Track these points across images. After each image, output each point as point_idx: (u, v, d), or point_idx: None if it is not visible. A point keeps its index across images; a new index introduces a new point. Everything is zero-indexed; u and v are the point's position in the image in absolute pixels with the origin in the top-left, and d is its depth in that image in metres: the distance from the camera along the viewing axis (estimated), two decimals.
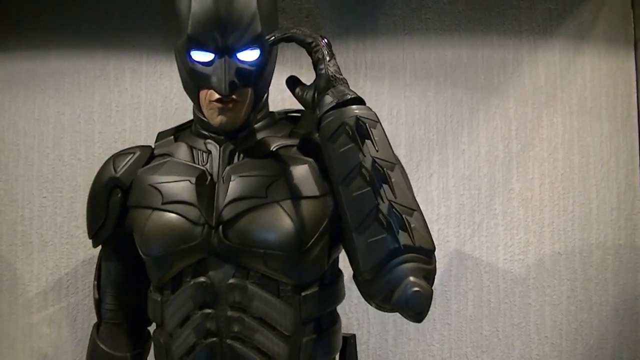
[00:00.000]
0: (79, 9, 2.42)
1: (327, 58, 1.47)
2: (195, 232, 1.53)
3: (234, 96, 1.53)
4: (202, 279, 1.54)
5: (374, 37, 2.39)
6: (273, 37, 1.49)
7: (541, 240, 2.38)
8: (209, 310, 1.54)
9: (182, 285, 1.56)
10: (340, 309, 1.72)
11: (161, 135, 1.77)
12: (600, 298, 2.37)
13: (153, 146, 1.74)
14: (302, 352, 1.55)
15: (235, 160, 1.61)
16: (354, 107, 1.44)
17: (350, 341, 1.80)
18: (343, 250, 1.61)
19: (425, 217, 1.45)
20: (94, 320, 2.28)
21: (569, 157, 2.39)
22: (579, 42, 2.41)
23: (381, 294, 1.41)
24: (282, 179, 1.55)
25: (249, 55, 1.54)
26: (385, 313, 2.27)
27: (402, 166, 1.50)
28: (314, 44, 1.48)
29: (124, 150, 1.76)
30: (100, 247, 1.79)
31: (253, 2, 1.52)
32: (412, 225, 1.39)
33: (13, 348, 2.39)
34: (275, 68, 1.68)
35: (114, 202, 1.69)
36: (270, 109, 1.72)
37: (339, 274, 1.70)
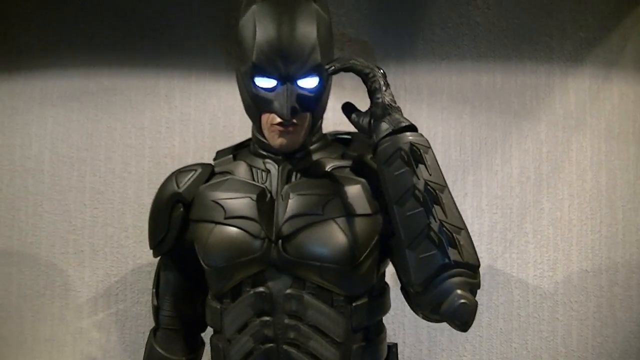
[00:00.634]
0: (130, 30, 2.54)
1: (384, 88, 1.59)
2: (255, 245, 1.64)
3: (294, 120, 1.64)
4: (261, 288, 1.65)
5: (413, 62, 2.51)
6: (333, 67, 1.61)
7: (569, 258, 2.49)
8: (267, 318, 1.65)
9: (242, 294, 1.67)
10: None
11: (220, 154, 1.88)
12: (625, 314, 2.47)
13: (213, 164, 1.85)
14: (351, 358, 1.66)
15: (293, 179, 1.72)
16: (408, 134, 1.55)
17: (393, 349, 1.89)
18: (389, 265, 1.73)
19: None
20: (142, 326, 2.41)
21: (597, 179, 2.50)
22: (607, 69, 2.52)
23: (430, 305, 1.53)
24: (337, 197, 1.66)
25: (309, 83, 1.64)
26: (419, 324, 2.41)
27: (449, 189, 1.61)
28: (371, 74, 1.60)
29: (186, 167, 1.86)
30: (158, 257, 1.91)
31: (313, 33, 1.63)
32: (460, 243, 1.51)
33: (63, 351, 2.50)
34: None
35: (176, 216, 1.80)
36: None
37: (385, 286, 1.80)
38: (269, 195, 1.70)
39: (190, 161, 2.43)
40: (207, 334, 1.90)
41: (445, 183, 1.57)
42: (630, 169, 2.50)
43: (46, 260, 2.51)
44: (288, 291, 1.64)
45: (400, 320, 2.44)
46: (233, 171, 1.78)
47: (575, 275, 2.49)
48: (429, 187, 1.52)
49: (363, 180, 1.70)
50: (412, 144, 1.54)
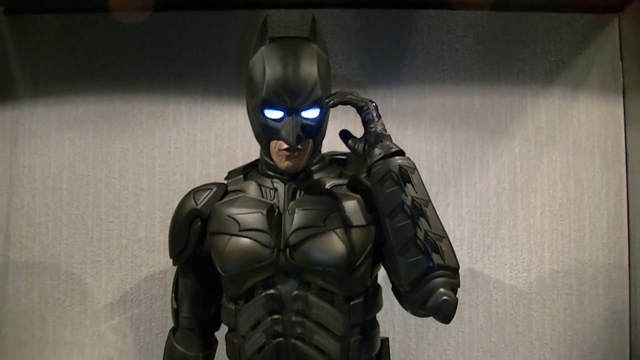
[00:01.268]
0: (141, 59, 2.74)
1: (376, 119, 1.81)
2: (266, 254, 1.86)
3: (299, 146, 1.86)
4: (271, 291, 1.86)
5: (399, 86, 2.70)
6: (332, 101, 1.83)
7: (542, 260, 2.69)
8: (277, 316, 1.85)
9: (255, 296, 1.88)
10: None
11: (232, 174, 2.09)
12: (592, 310, 2.68)
13: (226, 182, 2.06)
14: (350, 350, 1.88)
15: (297, 196, 1.93)
16: (397, 157, 1.77)
17: (385, 343, 2.11)
18: (381, 270, 1.96)
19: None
20: (155, 329, 2.61)
21: (566, 189, 2.71)
22: (575, 90, 2.72)
23: (417, 302, 1.74)
24: (336, 211, 1.88)
25: (311, 114, 1.86)
26: (407, 322, 2.62)
27: (432, 204, 1.82)
28: (365, 107, 1.82)
29: (202, 186, 2.07)
30: (176, 265, 2.11)
31: (314, 71, 1.85)
32: (442, 249, 1.72)
33: (83, 353, 2.68)
34: None
35: (194, 229, 2.01)
36: None
37: (378, 288, 2.02)
38: (277, 210, 1.91)
39: (197, 178, 2.66)
40: (220, 333, 2.10)
41: (429, 198, 1.78)
42: (595, 179, 2.70)
43: (66, 270, 2.69)
44: (295, 293, 1.85)
45: (389, 318, 2.63)
46: (245, 189, 1.98)
47: (548, 275, 2.69)
48: (415, 202, 1.73)
49: (358, 196, 1.91)
50: (400, 167, 1.75)
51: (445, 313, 1.71)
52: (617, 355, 2.68)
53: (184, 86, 2.74)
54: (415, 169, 1.79)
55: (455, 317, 2.56)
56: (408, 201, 1.73)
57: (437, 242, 1.72)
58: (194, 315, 2.10)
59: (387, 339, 2.13)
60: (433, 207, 1.78)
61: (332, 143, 2.06)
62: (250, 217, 1.90)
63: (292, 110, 1.84)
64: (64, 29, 2.76)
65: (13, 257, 2.72)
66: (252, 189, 1.98)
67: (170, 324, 2.60)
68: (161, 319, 2.68)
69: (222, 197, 2.02)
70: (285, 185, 1.95)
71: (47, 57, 2.75)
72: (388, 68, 2.74)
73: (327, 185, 1.95)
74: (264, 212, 1.89)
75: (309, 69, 1.86)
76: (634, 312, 2.67)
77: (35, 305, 2.70)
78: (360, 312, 1.90)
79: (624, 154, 2.73)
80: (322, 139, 1.98)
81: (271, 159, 1.94)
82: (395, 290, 1.87)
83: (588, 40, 2.75)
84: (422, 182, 1.79)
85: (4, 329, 2.70)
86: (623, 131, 2.73)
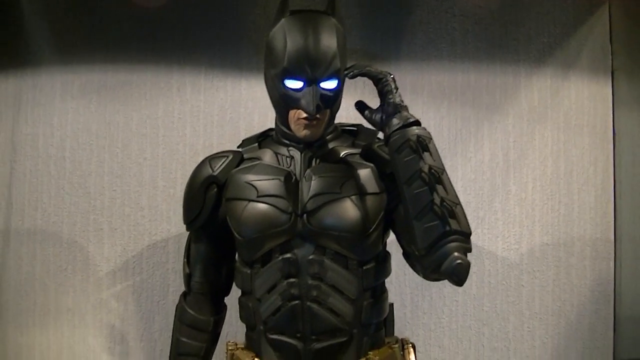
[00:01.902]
0: (145, 30, 2.77)
1: (395, 90, 1.89)
2: (284, 219, 1.92)
3: (317, 115, 1.92)
4: (288, 255, 1.93)
5: (397, 63, 2.78)
6: (352, 73, 1.90)
7: (532, 233, 2.81)
8: (293, 280, 1.92)
9: (272, 260, 1.94)
10: None
11: (246, 142, 2.14)
12: (580, 281, 2.80)
13: (241, 150, 2.11)
14: (362, 312, 1.96)
15: (313, 164, 1.99)
16: (415, 127, 1.83)
17: (391, 308, 2.19)
18: (390, 236, 2.04)
19: None
20: (156, 296, 2.65)
21: (557, 165, 2.82)
22: (566, 70, 2.84)
23: (431, 265, 1.80)
24: (351, 179, 1.95)
25: (330, 84, 1.92)
26: (404, 292, 2.69)
27: (446, 172, 1.88)
28: (384, 79, 1.89)
29: (217, 153, 2.12)
30: (189, 231, 2.16)
31: (334, 43, 1.91)
32: (457, 215, 1.80)
33: (84, 320, 2.72)
34: None
35: (210, 196, 2.06)
36: None
37: (387, 254, 2.09)
38: (294, 177, 1.97)
39: (200, 148, 2.72)
40: (229, 300, 2.18)
41: (444, 167, 1.85)
42: (584, 156, 2.83)
43: (68, 238, 2.72)
44: (311, 257, 1.92)
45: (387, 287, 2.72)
46: (261, 157, 2.03)
47: (538, 247, 2.80)
48: (432, 170, 1.80)
49: (371, 164, 1.98)
50: (418, 136, 1.81)
51: (459, 276, 1.78)
52: (601, 324, 2.81)
53: (187, 57, 2.78)
54: (432, 138, 1.86)
55: (449, 286, 2.66)
56: (425, 169, 1.80)
57: (452, 208, 1.79)
58: (207, 280, 2.15)
59: (392, 304, 2.20)
60: (447, 176, 1.85)
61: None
62: (268, 183, 1.96)
63: (312, 81, 1.89)
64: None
65: (15, 225, 2.74)
66: (267, 156, 2.04)
67: (172, 291, 2.70)
68: (163, 286, 2.72)
69: (238, 165, 2.06)
70: (301, 153, 2.01)
71: (52, 27, 2.77)
72: (387, 45, 2.81)
73: (342, 154, 2.02)
74: (282, 178, 1.95)
75: (329, 41, 1.91)
76: (618, 283, 2.81)
77: (37, 272, 2.73)
78: (371, 276, 1.98)
79: (612, 132, 2.85)
80: (338, 109, 2.03)
81: (288, 127, 1.99)
82: (407, 255, 1.95)
83: (579, 23, 2.86)
84: (437, 152, 1.86)
85: (5, 296, 2.73)
86: (611, 111, 2.86)
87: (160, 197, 2.74)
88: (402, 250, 1.98)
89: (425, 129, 1.86)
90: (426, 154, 1.82)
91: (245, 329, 2.07)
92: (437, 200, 1.78)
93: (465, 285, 2.68)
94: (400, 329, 2.48)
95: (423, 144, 1.82)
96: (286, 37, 1.90)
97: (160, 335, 2.72)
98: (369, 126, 1.96)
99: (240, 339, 2.11)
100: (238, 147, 2.16)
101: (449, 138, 2.81)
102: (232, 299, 2.16)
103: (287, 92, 1.92)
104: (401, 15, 2.83)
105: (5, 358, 2.72)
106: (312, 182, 1.95)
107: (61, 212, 2.74)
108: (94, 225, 2.74)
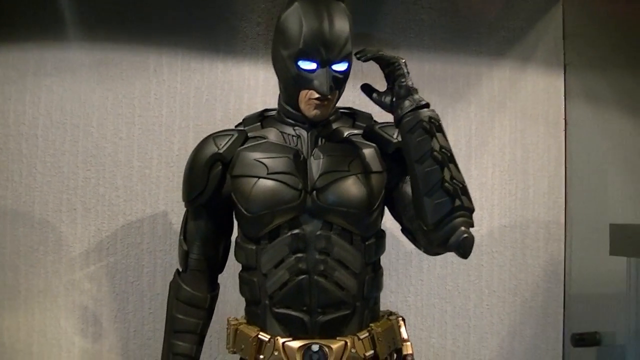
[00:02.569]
0: (122, 8, 2.74)
1: (407, 74, 1.98)
2: (294, 195, 1.98)
3: (329, 96, 2.00)
4: (297, 230, 1.99)
5: None
6: (365, 56, 2.00)
7: (492, 215, 2.97)
8: (301, 254, 1.99)
9: (280, 236, 2.00)
10: None
11: (247, 121, 2.17)
12: (534, 261, 2.98)
13: (245, 129, 2.14)
14: (365, 286, 2.05)
15: (319, 143, 2.07)
16: (426, 110, 1.93)
17: None
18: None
19: None
20: (131, 277, 2.67)
21: (514, 152, 2.99)
22: (523, 63, 3.01)
23: (438, 240, 1.90)
24: (357, 158, 2.04)
25: (341, 67, 2.00)
26: None
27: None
28: (397, 63, 1.98)
29: (221, 131, 2.15)
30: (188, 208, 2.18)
31: (347, 28, 2.00)
32: (464, 192, 1.91)
33: (56, 302, 2.68)
34: None
35: (215, 173, 2.09)
36: None
37: (383, 232, 2.17)
38: (302, 155, 2.04)
39: (176, 129, 2.76)
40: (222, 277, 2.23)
41: (451, 149, 1.96)
42: (540, 144, 3.01)
43: (40, 218, 2.67)
44: (319, 232, 1.99)
45: None
46: (266, 136, 2.09)
47: (496, 229, 2.97)
48: (443, 150, 1.90)
49: (374, 144, 2.09)
50: (430, 117, 1.91)
51: (465, 249, 1.88)
52: (553, 301, 3.01)
53: (165, 38, 2.78)
54: (441, 121, 1.95)
55: (415, 267, 2.82)
56: (437, 148, 1.89)
57: (461, 185, 1.90)
58: (205, 257, 2.18)
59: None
60: (454, 157, 1.96)
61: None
62: (278, 161, 2.02)
63: (326, 62, 1.96)
64: None
65: None
66: (273, 135, 2.09)
67: (146, 272, 2.73)
68: (137, 267, 2.72)
69: (243, 143, 2.11)
70: (308, 132, 2.08)
71: (26, 3, 2.70)
72: (357, 35, 2.86)
73: (345, 134, 2.11)
74: (291, 156, 2.02)
75: (342, 25, 1.99)
76: (568, 263, 3.01)
77: (7, 253, 2.67)
78: (372, 251, 2.08)
79: (564, 122, 3.04)
80: (343, 92, 2.11)
81: (295, 107, 2.05)
82: (407, 231, 2.07)
83: (535, 19, 3.03)
84: (446, 134, 1.97)
85: None
86: (563, 102, 3.05)
87: (136, 177, 2.73)
88: (400, 227, 2.09)
89: (434, 111, 1.95)
90: (439, 134, 1.92)
91: (245, 304, 2.13)
92: (448, 178, 1.88)
93: (430, 265, 2.92)
94: None
95: (436, 125, 1.92)
96: (302, 19, 1.96)
97: (134, 316, 2.72)
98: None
99: (232, 314, 2.20)
100: (238, 125, 2.19)
101: None
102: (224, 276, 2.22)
103: (300, 73, 1.98)
104: (370, 7, 2.92)
105: None
106: (321, 160, 2.02)
107: (32, 191, 2.69)
108: (67, 205, 2.70)
